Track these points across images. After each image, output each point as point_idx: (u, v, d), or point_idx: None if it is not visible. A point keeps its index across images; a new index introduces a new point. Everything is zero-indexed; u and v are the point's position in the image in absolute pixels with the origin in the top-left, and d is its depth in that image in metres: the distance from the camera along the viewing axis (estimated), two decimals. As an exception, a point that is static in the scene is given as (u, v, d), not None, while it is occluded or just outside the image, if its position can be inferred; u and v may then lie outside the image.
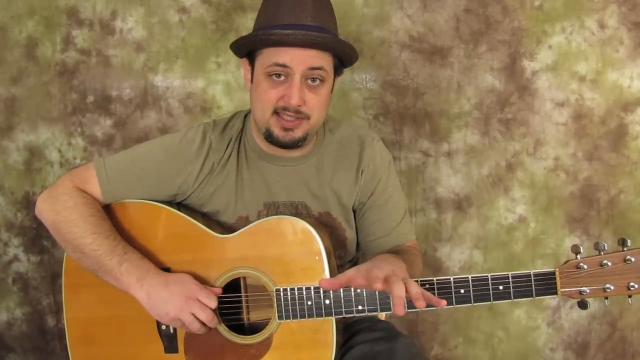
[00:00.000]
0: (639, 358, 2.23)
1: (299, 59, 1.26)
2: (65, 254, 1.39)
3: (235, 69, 2.16)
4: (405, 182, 2.18)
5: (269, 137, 1.33)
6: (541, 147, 2.15)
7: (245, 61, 1.38)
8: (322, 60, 1.28)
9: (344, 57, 1.34)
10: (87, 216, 1.32)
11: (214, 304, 1.27)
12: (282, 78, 1.28)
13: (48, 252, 2.28)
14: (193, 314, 1.26)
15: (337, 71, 1.37)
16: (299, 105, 1.28)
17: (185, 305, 1.26)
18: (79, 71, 2.20)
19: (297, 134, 1.31)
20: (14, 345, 2.34)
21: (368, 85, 2.16)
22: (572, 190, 2.17)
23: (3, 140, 2.25)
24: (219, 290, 1.31)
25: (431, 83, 2.15)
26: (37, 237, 2.28)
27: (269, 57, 1.28)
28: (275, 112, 1.30)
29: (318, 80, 1.29)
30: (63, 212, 1.33)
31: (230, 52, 2.14)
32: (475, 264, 2.22)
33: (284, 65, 1.26)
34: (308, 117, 1.31)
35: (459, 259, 2.22)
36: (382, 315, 1.61)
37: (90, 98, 2.21)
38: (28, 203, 2.26)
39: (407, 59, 2.14)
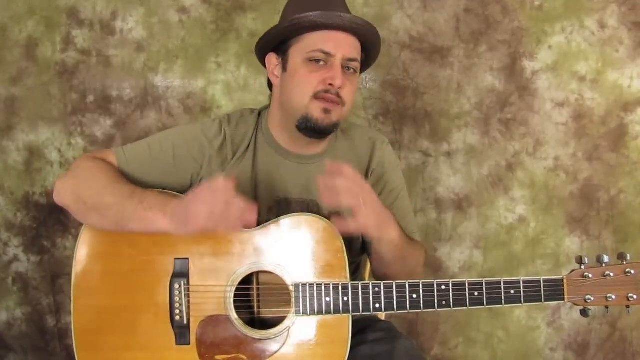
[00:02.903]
0: (639, 358, 2.23)
1: (342, 46, 1.32)
2: (77, 240, 1.37)
3: (235, 68, 2.17)
4: (406, 182, 2.17)
5: (306, 123, 1.34)
6: (541, 147, 2.15)
7: (271, 56, 1.40)
8: (358, 50, 1.36)
9: (372, 52, 1.40)
10: (106, 171, 1.34)
11: (221, 179, 1.20)
12: (322, 64, 1.32)
13: (48, 252, 2.28)
14: (223, 202, 1.19)
15: (361, 68, 1.42)
16: (340, 87, 1.32)
17: (213, 194, 1.19)
18: (79, 71, 2.20)
19: (334, 117, 1.34)
20: (14, 345, 2.34)
21: (368, 85, 2.17)
22: (572, 190, 2.17)
23: (3, 140, 2.25)
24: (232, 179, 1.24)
25: (431, 83, 2.15)
26: (37, 237, 2.28)
27: (313, 42, 1.32)
28: (315, 97, 1.33)
29: (352, 70, 1.35)
30: (82, 173, 1.34)
31: (230, 52, 2.13)
32: (475, 264, 2.22)
33: (327, 53, 1.31)
34: (343, 104, 1.34)
35: (459, 259, 2.22)
36: (382, 315, 1.61)
37: (90, 98, 2.21)
38: (28, 203, 2.26)
39: (407, 59, 2.14)
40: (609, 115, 2.13)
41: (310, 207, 1.44)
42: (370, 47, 1.39)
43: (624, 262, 1.26)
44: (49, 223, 2.23)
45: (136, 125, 2.21)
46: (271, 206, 1.42)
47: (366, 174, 1.47)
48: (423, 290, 1.28)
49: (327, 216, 1.43)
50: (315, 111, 1.33)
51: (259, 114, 1.48)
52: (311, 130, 1.35)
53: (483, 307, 1.28)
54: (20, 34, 2.21)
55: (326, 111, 1.33)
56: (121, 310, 1.35)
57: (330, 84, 1.31)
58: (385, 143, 1.51)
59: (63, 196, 1.37)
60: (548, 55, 2.12)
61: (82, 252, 1.37)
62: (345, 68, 1.33)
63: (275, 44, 1.39)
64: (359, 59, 1.36)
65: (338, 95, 1.32)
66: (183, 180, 1.41)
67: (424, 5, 2.12)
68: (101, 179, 1.32)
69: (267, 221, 1.37)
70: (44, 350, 2.33)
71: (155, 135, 1.47)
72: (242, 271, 1.33)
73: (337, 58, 1.31)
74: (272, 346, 1.32)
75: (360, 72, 1.43)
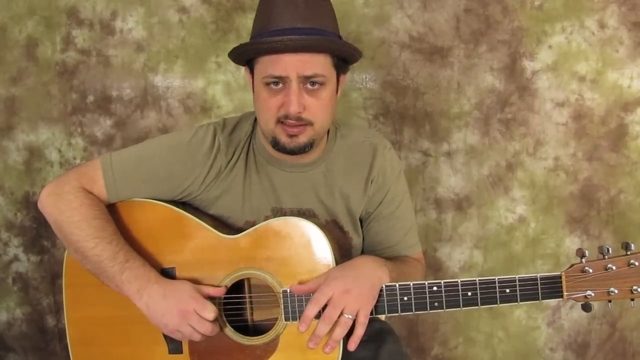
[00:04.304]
0: (639, 358, 2.23)
1: (293, 66, 1.23)
2: (65, 252, 1.38)
3: (235, 69, 2.17)
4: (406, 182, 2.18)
5: (276, 145, 1.30)
6: (541, 147, 2.15)
7: (247, 69, 1.36)
8: (318, 64, 1.25)
9: (342, 56, 1.31)
10: (91, 219, 1.29)
11: (211, 315, 1.24)
12: (280, 85, 1.26)
13: (48, 252, 2.28)
14: (191, 326, 1.25)
15: (341, 69, 1.33)
16: (299, 112, 1.25)
17: (183, 319, 1.24)
18: (79, 71, 2.20)
19: (302, 140, 1.29)
20: (14, 345, 2.34)
21: (368, 85, 2.16)
22: (572, 190, 2.17)
23: (3, 140, 2.25)
24: (222, 290, 1.29)
25: (431, 83, 2.15)
26: (37, 237, 2.28)
27: (265, 67, 1.26)
28: (279, 121, 1.28)
29: (317, 84, 1.26)
30: (67, 212, 1.30)
31: (230, 52, 2.10)
32: (475, 264, 2.22)
33: (279, 77, 1.24)
34: (311, 124, 1.28)
35: (459, 259, 2.22)
36: (382, 315, 1.61)
37: (90, 98, 2.21)
38: (28, 203, 2.26)
39: (407, 59, 2.14)
40: (609, 115, 2.12)
41: (306, 216, 1.39)
42: (339, 54, 1.29)
43: (628, 253, 1.19)
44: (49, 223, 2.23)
45: (136, 125, 2.21)
46: (267, 216, 1.39)
47: (366, 182, 1.42)
48: (414, 292, 1.25)
49: (324, 225, 1.41)
50: (282, 136, 1.29)
51: (255, 120, 1.43)
52: (283, 152, 1.31)
53: (478, 307, 1.24)
54: (20, 34, 2.21)
55: (291, 136, 1.28)
56: (113, 321, 1.35)
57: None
58: (387, 148, 1.44)
59: (45, 214, 1.35)
60: (548, 55, 2.11)
61: (71, 265, 1.37)
62: (309, 84, 1.25)
63: (242, 62, 1.35)
64: (322, 71, 1.25)
65: (300, 119, 1.25)
66: (174, 194, 1.38)
67: (424, 5, 2.12)
68: (86, 228, 1.29)
69: None
70: (44, 350, 2.33)
71: (148, 146, 1.40)
72: (231, 279, 1.31)
73: (291, 79, 1.23)
74: (264, 352, 1.30)
75: (344, 72, 1.35)
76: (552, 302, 2.22)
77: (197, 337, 1.26)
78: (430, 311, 1.26)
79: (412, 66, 2.14)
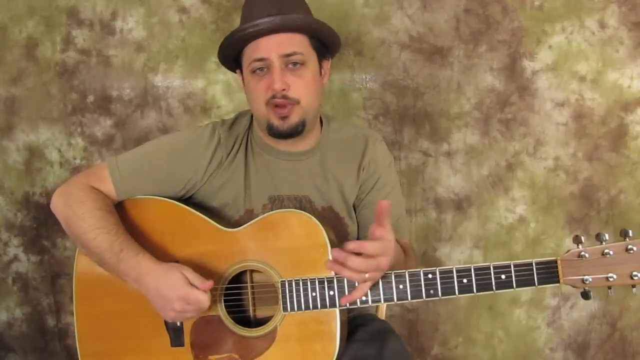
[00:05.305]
0: (639, 358, 2.23)
1: (271, 47, 1.33)
2: (77, 249, 1.41)
3: (235, 69, 2.17)
4: (405, 182, 2.18)
5: (271, 130, 1.38)
6: (541, 147, 2.15)
7: (239, 73, 1.46)
8: (295, 42, 1.34)
9: (317, 35, 1.38)
10: (94, 209, 1.34)
11: (206, 304, 1.25)
12: (265, 70, 1.35)
13: (48, 252, 2.28)
14: (190, 315, 1.28)
15: (322, 53, 1.41)
16: (284, 90, 1.33)
17: (181, 307, 1.26)
18: (79, 71, 2.20)
19: (293, 119, 1.36)
20: (14, 345, 2.34)
21: (368, 85, 2.17)
22: (572, 190, 2.17)
23: (3, 140, 2.25)
24: (210, 284, 1.28)
25: (431, 83, 2.15)
26: (37, 237, 2.28)
27: (248, 56, 1.37)
28: (269, 105, 1.35)
29: (298, 64, 1.35)
30: (74, 205, 1.36)
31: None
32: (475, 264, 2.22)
33: (261, 59, 1.34)
34: (298, 102, 1.35)
35: (459, 258, 2.22)
36: (382, 315, 1.61)
37: (90, 98, 2.22)
38: (28, 203, 2.26)
39: (407, 59, 2.14)
40: (609, 115, 2.13)
41: (302, 203, 1.45)
42: (311, 32, 1.37)
43: (626, 239, 1.18)
44: (49, 223, 2.24)
45: (136, 125, 2.21)
46: (265, 204, 1.44)
47: (358, 170, 1.48)
48: (409, 280, 1.27)
49: (320, 211, 1.45)
50: (274, 119, 1.36)
51: (252, 115, 1.49)
52: (278, 135, 1.38)
53: (474, 294, 1.25)
54: (20, 34, 2.21)
55: (282, 117, 1.35)
56: (119, 315, 1.38)
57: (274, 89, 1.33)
58: (378, 140, 1.52)
59: (57, 213, 1.41)
60: (548, 55, 2.12)
61: (82, 261, 1.40)
62: (290, 65, 1.34)
63: (232, 65, 1.45)
64: (300, 49, 1.35)
65: (285, 97, 1.34)
66: (179, 187, 1.43)
67: (424, 5, 2.12)
68: (89, 219, 1.33)
69: None
70: (44, 350, 2.33)
71: (150, 144, 1.48)
72: (231, 271, 1.34)
73: (273, 60, 1.33)
74: (263, 344, 1.32)
75: (329, 55, 1.44)
76: (552, 302, 2.22)
77: (190, 313, 1.27)
78: (427, 299, 1.27)
79: (412, 66, 2.15)
